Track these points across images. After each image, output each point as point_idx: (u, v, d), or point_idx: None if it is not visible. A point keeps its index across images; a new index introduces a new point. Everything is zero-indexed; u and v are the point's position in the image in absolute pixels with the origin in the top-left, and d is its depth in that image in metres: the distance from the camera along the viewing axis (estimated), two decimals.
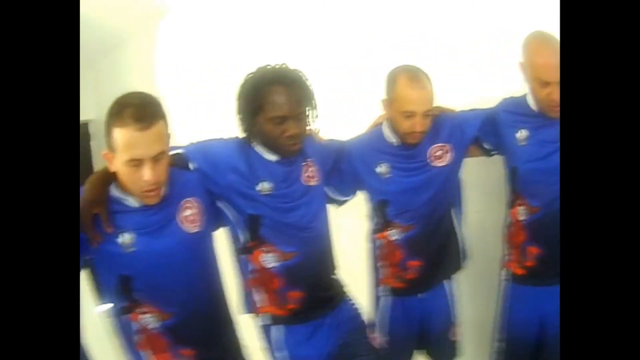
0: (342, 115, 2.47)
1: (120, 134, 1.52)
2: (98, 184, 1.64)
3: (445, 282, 2.24)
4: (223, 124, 1.91)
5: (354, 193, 2.20)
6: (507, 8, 2.25)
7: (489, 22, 2.32)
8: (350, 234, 2.35)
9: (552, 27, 1.59)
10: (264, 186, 1.83)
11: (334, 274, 2.02)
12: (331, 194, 2.09)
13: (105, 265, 1.67)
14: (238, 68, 1.97)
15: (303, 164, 1.92)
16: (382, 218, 2.15)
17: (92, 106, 3.94)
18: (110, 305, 1.74)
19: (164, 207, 1.67)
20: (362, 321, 2.07)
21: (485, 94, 2.25)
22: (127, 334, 1.73)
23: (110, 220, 1.61)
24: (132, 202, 1.64)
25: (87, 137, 4.13)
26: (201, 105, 3.11)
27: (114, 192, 1.65)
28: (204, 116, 2.96)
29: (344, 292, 2.04)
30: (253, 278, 1.90)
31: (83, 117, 3.97)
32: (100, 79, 3.90)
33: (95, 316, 2.64)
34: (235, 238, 1.90)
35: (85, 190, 1.62)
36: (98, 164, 3.98)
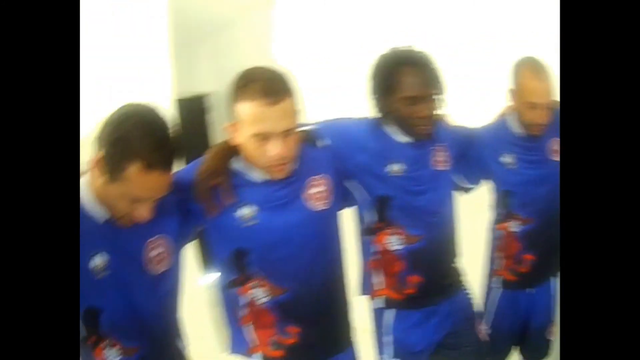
0: (470, 103, 2.44)
1: (247, 108, 1.48)
2: (220, 155, 1.62)
3: (552, 279, 2.23)
4: (354, 103, 1.90)
5: (480, 181, 2.18)
6: None
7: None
8: (472, 222, 2.31)
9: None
10: (395, 168, 1.82)
11: (455, 262, 2.00)
12: (458, 180, 2.07)
13: (220, 237, 1.65)
14: (365, 49, 1.96)
15: (434, 148, 1.90)
16: (505, 209, 2.14)
17: (210, 80, 4.01)
18: (217, 276, 1.72)
19: (290, 183, 1.63)
20: (473, 312, 2.05)
21: None
22: (233, 307, 1.70)
23: (231, 191, 1.58)
24: (256, 176, 1.60)
25: (204, 110, 4.21)
26: (330, 84, 3.12)
27: (236, 164, 1.62)
28: (334, 95, 2.97)
29: (461, 282, 2.02)
30: (375, 260, 1.90)
31: (199, 89, 4.08)
32: (217, 53, 3.97)
33: (196, 288, 2.70)
34: (361, 218, 1.89)
35: (206, 161, 1.60)
36: (215, 137, 4.08)
